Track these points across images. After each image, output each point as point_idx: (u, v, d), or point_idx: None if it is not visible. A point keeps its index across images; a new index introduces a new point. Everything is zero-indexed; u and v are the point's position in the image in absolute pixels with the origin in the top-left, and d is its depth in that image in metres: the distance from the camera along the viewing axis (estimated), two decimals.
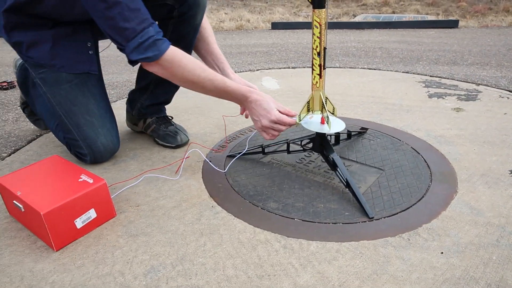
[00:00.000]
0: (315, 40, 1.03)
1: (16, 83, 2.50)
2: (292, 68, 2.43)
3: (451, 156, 1.25)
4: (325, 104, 1.08)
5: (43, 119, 1.45)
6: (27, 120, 1.75)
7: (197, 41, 1.30)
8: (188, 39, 1.29)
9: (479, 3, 6.33)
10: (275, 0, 7.06)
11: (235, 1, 7.05)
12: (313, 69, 1.06)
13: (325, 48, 1.04)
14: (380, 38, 3.51)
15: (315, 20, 0.99)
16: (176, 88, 1.44)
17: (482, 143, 1.33)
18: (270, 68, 2.43)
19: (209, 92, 1.09)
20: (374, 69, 2.35)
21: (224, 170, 1.20)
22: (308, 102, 1.11)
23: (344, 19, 5.36)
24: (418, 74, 2.22)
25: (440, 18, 5.05)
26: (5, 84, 2.47)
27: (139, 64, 1.07)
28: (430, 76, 2.17)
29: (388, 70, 2.31)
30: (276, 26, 4.35)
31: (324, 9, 0.97)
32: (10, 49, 4.05)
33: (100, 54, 1.32)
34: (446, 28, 4.02)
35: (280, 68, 2.43)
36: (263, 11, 6.08)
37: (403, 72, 2.27)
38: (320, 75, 1.06)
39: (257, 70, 2.39)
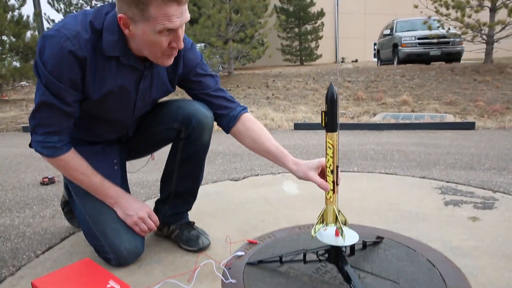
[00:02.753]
0: (328, 160, 1.15)
1: (56, 179, 2.72)
2: None
3: (468, 270, 1.26)
4: (338, 217, 1.16)
5: (79, 220, 1.58)
6: (63, 217, 1.88)
7: (253, 144, 1.40)
8: (199, 157, 1.46)
9: (496, 102, 6.52)
10: (298, 99, 7.51)
11: (261, 99, 7.54)
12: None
13: (337, 167, 1.15)
14: (398, 140, 3.65)
15: (328, 142, 1.12)
16: (194, 198, 1.57)
17: (500, 256, 1.34)
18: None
19: (86, 186, 1.33)
20: (392, 173, 2.44)
21: (239, 280, 1.25)
22: (322, 215, 1.20)
23: (364, 117, 5.61)
24: (434, 179, 2.29)
25: (458, 118, 5.21)
26: (46, 180, 2.69)
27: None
28: (447, 181, 2.23)
29: (405, 175, 2.39)
30: (298, 126, 4.60)
31: (335, 133, 1.10)
32: None
33: None
34: (463, 130, 4.14)
35: None
36: (286, 110, 6.46)
37: (419, 177, 2.34)
38: (333, 190, 1.16)
39: (279, 173, 2.52)
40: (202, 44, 10.74)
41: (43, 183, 2.66)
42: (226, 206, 1.92)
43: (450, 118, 5.15)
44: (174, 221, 1.54)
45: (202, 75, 1.40)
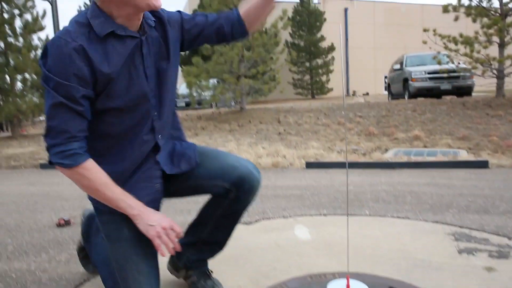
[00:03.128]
0: None
1: (71, 221, 2.78)
2: (323, 215, 2.57)
3: None
4: None
5: (96, 266, 1.61)
6: (78, 261, 1.91)
7: (253, 9, 1.45)
8: (238, 213, 1.46)
9: (510, 137, 6.48)
10: (310, 134, 7.57)
11: (273, 135, 7.62)
12: None
13: None
14: (410, 180, 3.64)
15: None
16: (220, 248, 1.56)
17: None
18: (302, 215, 2.58)
19: (107, 198, 1.25)
20: (404, 218, 2.43)
21: None
22: None
23: (376, 154, 5.62)
24: (447, 224, 2.27)
25: (471, 154, 5.18)
26: (63, 221, 2.75)
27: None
28: (460, 227, 2.22)
29: (417, 220, 2.38)
30: (310, 165, 4.63)
31: None
32: (70, 182, 4.49)
33: None
34: (476, 168, 4.12)
35: (312, 215, 2.57)
36: (298, 145, 6.51)
37: (432, 222, 2.33)
38: None
39: (290, 217, 2.53)
40: (215, 80, 11.01)
41: (59, 225, 2.71)
42: (238, 253, 1.93)
43: (463, 154, 5.12)
44: (196, 267, 1.55)
45: (192, 17, 1.44)
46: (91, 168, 1.21)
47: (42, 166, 5.88)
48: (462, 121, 7.68)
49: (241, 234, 2.23)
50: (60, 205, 3.32)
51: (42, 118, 10.86)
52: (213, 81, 10.87)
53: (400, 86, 11.93)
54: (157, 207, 1.38)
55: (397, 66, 12.36)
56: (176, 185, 1.46)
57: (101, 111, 1.25)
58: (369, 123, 8.06)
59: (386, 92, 14.68)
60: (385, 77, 16.56)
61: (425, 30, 9.37)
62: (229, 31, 1.45)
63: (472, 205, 2.69)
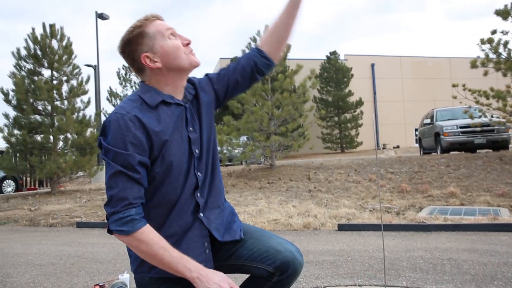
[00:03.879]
0: None
1: (106, 286, 2.82)
2: (358, 285, 2.50)
3: None
4: None
5: None
6: None
7: (275, 30, 1.51)
8: None
9: None
10: (341, 192, 7.49)
11: (303, 192, 7.58)
12: None
13: None
14: (448, 245, 3.50)
15: None
16: None
17: None
18: (337, 286, 2.51)
19: (166, 263, 1.23)
20: None
21: None
22: None
23: (410, 212, 5.45)
24: None
25: None
26: (98, 287, 2.79)
27: None
28: None
29: None
30: (342, 227, 4.55)
31: None
32: (104, 243, 4.57)
33: None
34: None
35: (346, 286, 2.50)
36: (329, 203, 6.42)
37: None
38: None
39: (324, 287, 2.48)
40: (245, 137, 11.26)
41: None
42: None
43: (504, 213, 4.89)
44: None
45: (217, 74, 1.52)
46: (149, 233, 1.23)
47: (79, 225, 6.06)
48: (500, 176, 7.40)
49: None
50: (95, 268, 3.38)
51: (80, 173, 11.31)
52: (243, 138, 11.12)
53: (432, 141, 11.76)
54: (210, 267, 1.36)
55: (428, 121, 12.27)
56: (217, 261, 1.45)
57: (155, 177, 1.32)
58: (401, 180, 7.90)
59: (417, 145, 14.46)
60: (416, 129, 16.41)
61: (454, 86, 9.39)
62: (252, 68, 1.51)
63: None
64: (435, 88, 28.45)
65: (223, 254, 1.45)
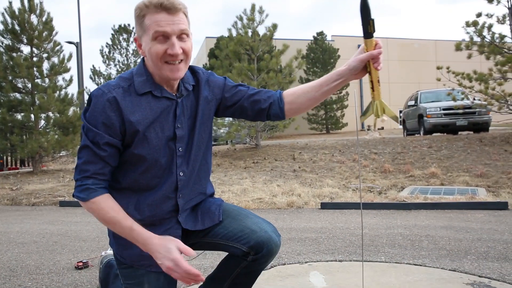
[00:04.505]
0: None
1: (89, 264, 2.83)
2: (339, 261, 2.56)
3: None
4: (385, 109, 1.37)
5: None
6: None
7: (307, 99, 1.44)
8: (255, 274, 1.48)
9: None
10: (325, 172, 7.58)
11: (288, 172, 7.65)
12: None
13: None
14: (427, 223, 3.60)
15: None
16: None
17: None
18: (318, 261, 2.57)
19: (118, 232, 1.30)
20: (420, 265, 2.41)
21: None
22: (369, 107, 1.39)
23: (392, 191, 5.57)
24: (465, 273, 2.24)
25: (490, 193, 5.09)
26: (81, 264, 2.79)
27: None
28: (479, 276, 2.18)
29: (434, 267, 2.35)
30: (325, 206, 4.63)
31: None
32: (87, 221, 4.54)
33: None
34: (496, 210, 4.04)
35: (327, 261, 2.56)
36: (313, 183, 6.51)
37: (450, 269, 2.30)
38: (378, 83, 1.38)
39: (306, 262, 2.53)
40: (230, 118, 11.22)
41: (77, 267, 2.76)
42: None
43: (482, 193, 5.03)
44: None
45: (234, 86, 1.48)
46: (101, 203, 1.28)
47: (62, 204, 6.01)
48: (479, 157, 7.58)
49: (257, 280, 2.24)
50: (78, 246, 3.38)
51: (63, 152, 11.16)
52: (228, 118, 11.08)
53: (415, 122, 11.92)
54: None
55: (412, 102, 12.41)
56: (194, 238, 1.48)
57: (127, 161, 1.34)
58: (384, 160, 8.03)
59: (401, 127, 14.65)
60: (400, 111, 16.60)
61: (438, 68, 9.47)
62: (265, 108, 1.46)
63: (491, 251, 2.64)
64: (421, 70, 28.69)
65: (199, 232, 1.46)
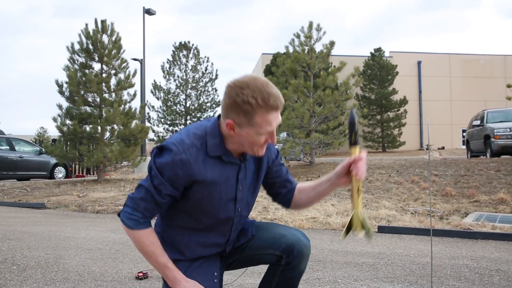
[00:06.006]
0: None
1: (149, 275, 2.94)
2: None
3: None
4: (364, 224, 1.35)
5: None
6: None
7: (307, 198, 1.59)
8: (293, 281, 1.54)
9: None
10: (381, 192, 7.31)
11: (342, 191, 7.48)
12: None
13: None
14: (497, 255, 3.34)
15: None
16: None
17: None
18: None
19: (152, 265, 1.45)
20: None
21: None
22: (349, 221, 1.39)
23: (455, 217, 5.24)
24: None
25: None
26: (141, 274, 2.91)
27: None
28: None
29: None
30: (382, 229, 4.46)
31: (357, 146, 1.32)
32: None
33: None
34: None
35: None
36: (369, 204, 6.30)
37: None
38: (358, 194, 1.38)
39: None
40: (285, 134, 11.25)
41: (138, 278, 2.88)
42: None
43: None
44: None
45: (281, 164, 1.63)
46: (144, 236, 1.41)
47: None
48: None
49: None
50: (138, 256, 3.52)
51: (124, 164, 11.78)
52: (283, 134, 11.12)
53: (481, 143, 11.21)
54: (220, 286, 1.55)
55: (477, 122, 11.70)
56: (233, 257, 1.61)
57: (188, 211, 1.48)
58: (445, 183, 7.60)
59: (464, 147, 13.84)
60: (463, 130, 15.71)
61: (508, 86, 8.89)
62: (278, 192, 1.62)
63: None
64: (487, 87, 27.02)
65: (236, 249, 1.60)
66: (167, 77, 27.73)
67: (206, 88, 27.59)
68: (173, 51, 27.44)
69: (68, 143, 10.63)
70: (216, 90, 26.83)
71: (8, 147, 12.12)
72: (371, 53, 25.46)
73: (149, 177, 1.40)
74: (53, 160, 12.33)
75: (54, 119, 10.06)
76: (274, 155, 1.60)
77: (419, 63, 27.29)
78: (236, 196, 1.48)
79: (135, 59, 16.85)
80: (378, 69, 24.53)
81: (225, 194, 1.45)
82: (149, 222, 1.43)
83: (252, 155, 1.42)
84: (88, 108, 10.32)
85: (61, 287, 2.63)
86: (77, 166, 14.64)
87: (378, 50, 25.42)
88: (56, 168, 13.09)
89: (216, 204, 1.44)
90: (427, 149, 24.03)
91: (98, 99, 10.27)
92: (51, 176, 12.86)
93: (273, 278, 1.54)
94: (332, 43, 10.41)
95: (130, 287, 2.67)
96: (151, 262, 1.44)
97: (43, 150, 11.57)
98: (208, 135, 1.40)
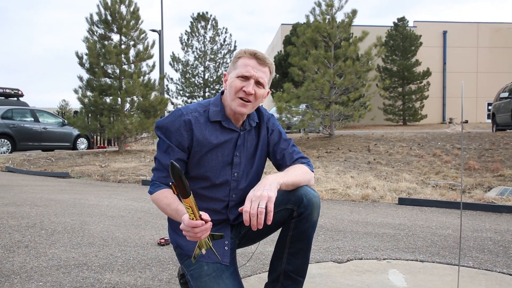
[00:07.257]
0: (190, 215, 1.29)
1: (170, 241, 3.00)
2: (420, 261, 2.43)
3: None
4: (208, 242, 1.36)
5: None
6: (177, 282, 2.05)
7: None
8: (308, 234, 1.57)
9: None
10: (401, 165, 7.22)
11: (362, 164, 7.42)
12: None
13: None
14: None
15: (185, 205, 1.26)
16: (303, 278, 1.64)
17: None
18: (397, 259, 2.47)
19: (170, 215, 1.51)
20: None
21: None
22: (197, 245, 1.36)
23: (478, 191, 5.14)
24: None
25: None
26: (163, 241, 2.98)
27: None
28: None
29: None
30: (403, 201, 4.41)
31: (190, 196, 1.22)
32: None
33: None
34: None
35: (407, 260, 2.44)
36: (389, 177, 6.24)
37: None
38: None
39: (384, 259, 2.44)
40: (304, 105, 11.12)
41: (160, 244, 2.95)
42: None
43: None
44: None
45: (286, 145, 1.70)
46: (161, 193, 1.52)
47: (144, 183, 6.45)
48: None
49: (332, 272, 2.22)
50: (160, 223, 3.60)
51: (145, 134, 11.93)
52: (303, 106, 10.99)
53: (508, 117, 10.85)
54: (232, 258, 1.61)
55: (505, 94, 11.29)
56: (245, 227, 1.66)
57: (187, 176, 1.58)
58: (469, 156, 7.44)
59: (489, 121, 13.44)
60: (489, 104, 15.21)
61: None
62: (276, 160, 1.70)
63: None
64: None
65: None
66: (185, 48, 27.59)
67: (225, 60, 27.38)
68: (191, 22, 27.19)
69: (90, 114, 10.80)
70: None
71: (32, 119, 12.40)
72: (394, 23, 24.58)
73: (158, 146, 1.55)
74: (75, 132, 12.58)
75: (75, 91, 10.20)
76: (277, 125, 1.71)
77: (444, 33, 26.24)
78: (233, 160, 1.59)
79: (153, 30, 16.75)
80: (401, 39, 23.73)
81: (221, 156, 1.57)
82: (165, 186, 1.54)
83: (234, 110, 1.52)
84: (108, 80, 10.39)
85: (87, 251, 2.71)
86: (98, 137, 14.92)
87: (402, 19, 24.52)
88: (79, 139, 13.38)
89: (213, 166, 1.56)
90: (450, 122, 23.47)
91: (117, 71, 10.31)
92: (74, 147, 13.17)
93: (287, 233, 1.57)
94: (354, 12, 10.07)
95: (153, 253, 2.73)
96: (168, 212, 1.50)
97: (66, 121, 11.80)
98: (211, 104, 1.59)
